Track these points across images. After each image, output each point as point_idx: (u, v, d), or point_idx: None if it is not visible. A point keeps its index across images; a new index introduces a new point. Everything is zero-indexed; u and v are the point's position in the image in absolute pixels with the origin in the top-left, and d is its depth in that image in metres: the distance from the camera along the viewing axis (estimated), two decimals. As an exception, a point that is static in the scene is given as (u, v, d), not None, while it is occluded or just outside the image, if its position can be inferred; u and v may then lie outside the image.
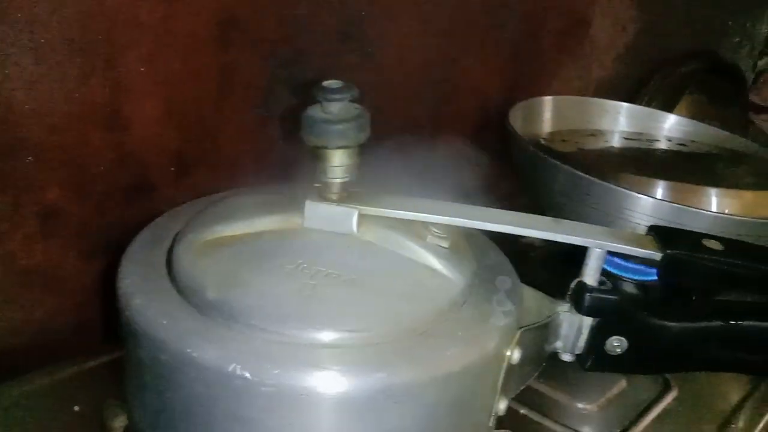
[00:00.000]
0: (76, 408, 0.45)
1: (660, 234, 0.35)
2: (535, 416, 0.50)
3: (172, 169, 0.52)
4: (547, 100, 0.75)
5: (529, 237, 0.36)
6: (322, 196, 0.35)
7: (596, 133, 0.76)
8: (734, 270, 0.34)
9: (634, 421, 0.51)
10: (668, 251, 0.34)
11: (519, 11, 0.75)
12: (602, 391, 0.53)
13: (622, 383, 0.54)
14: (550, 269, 0.63)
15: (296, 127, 0.59)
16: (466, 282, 0.34)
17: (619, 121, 0.76)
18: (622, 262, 0.59)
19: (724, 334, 0.35)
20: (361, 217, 0.35)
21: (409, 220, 0.35)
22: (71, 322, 0.50)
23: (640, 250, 0.34)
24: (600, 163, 0.68)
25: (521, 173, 0.68)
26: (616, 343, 0.36)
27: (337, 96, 0.33)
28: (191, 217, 0.37)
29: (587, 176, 0.57)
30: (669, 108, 0.96)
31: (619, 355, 0.36)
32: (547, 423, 0.49)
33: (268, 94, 0.56)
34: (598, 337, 0.36)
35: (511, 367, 0.34)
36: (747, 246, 0.36)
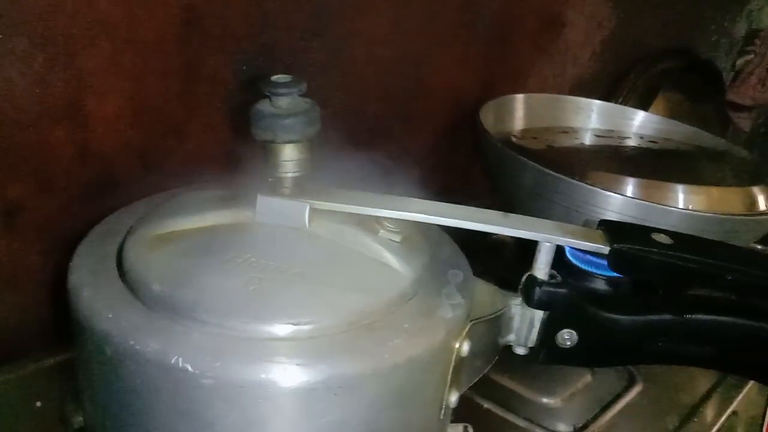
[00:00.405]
0: (38, 404, 0.45)
1: (610, 228, 0.36)
2: (499, 411, 0.50)
3: (137, 165, 0.52)
4: (519, 98, 0.76)
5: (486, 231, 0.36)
6: (275, 190, 0.35)
7: (568, 131, 0.76)
8: (682, 264, 0.34)
9: (598, 415, 0.51)
10: (615, 245, 0.34)
11: (492, 9, 0.75)
12: (567, 385, 0.54)
13: (587, 378, 0.54)
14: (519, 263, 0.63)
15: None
16: (416, 275, 0.34)
17: (591, 119, 0.76)
18: (592, 258, 0.59)
19: (675, 328, 0.35)
20: (313, 211, 0.35)
21: (362, 214, 0.35)
22: (32, 319, 0.50)
23: (588, 243, 0.35)
24: (570, 161, 0.68)
25: (491, 171, 0.69)
26: (567, 336, 0.36)
27: (284, 90, 0.33)
28: (143, 213, 0.37)
29: (555, 173, 0.58)
30: (645, 106, 0.97)
31: (570, 348, 0.36)
32: (511, 417, 0.50)
33: (234, 90, 0.56)
34: (549, 330, 0.36)
35: (460, 360, 0.34)
36: (697, 240, 0.36)
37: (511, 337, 0.38)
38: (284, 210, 0.35)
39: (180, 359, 0.27)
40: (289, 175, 0.35)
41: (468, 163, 0.80)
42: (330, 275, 0.32)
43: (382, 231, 0.35)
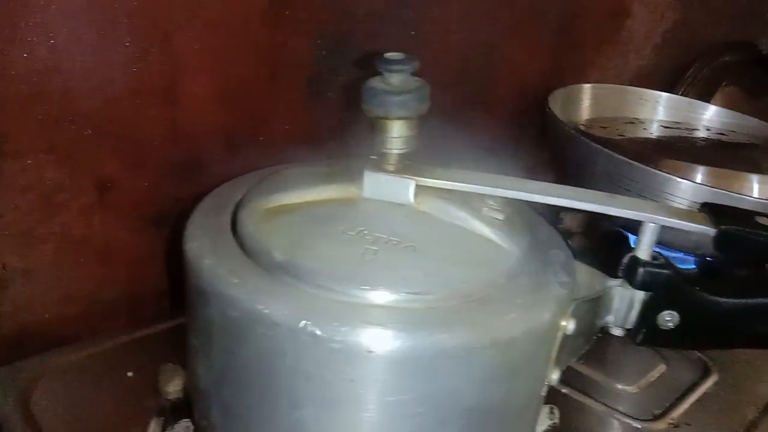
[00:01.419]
0: (130, 374, 0.47)
1: (713, 210, 0.36)
2: (577, 396, 0.50)
3: (223, 146, 0.53)
4: (586, 88, 0.75)
5: (578, 214, 0.36)
6: (380, 167, 0.36)
7: (635, 122, 0.76)
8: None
9: (675, 404, 0.51)
10: (722, 227, 0.34)
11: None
12: (642, 373, 0.53)
13: (662, 366, 0.54)
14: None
15: (343, 107, 0.60)
16: (522, 253, 0.34)
17: (658, 111, 0.76)
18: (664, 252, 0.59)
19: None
20: (418, 188, 0.36)
21: (464, 192, 0.36)
22: (122, 293, 0.52)
23: (695, 225, 0.35)
24: (641, 150, 0.68)
25: (560, 159, 0.68)
26: (668, 318, 0.36)
27: (398, 67, 0.33)
28: (252, 187, 0.38)
29: (630, 160, 0.57)
30: (705, 99, 0.96)
31: (670, 330, 0.36)
32: (589, 402, 0.50)
33: (313, 75, 0.57)
34: (649, 311, 0.36)
35: (565, 338, 0.34)
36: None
37: (609, 318, 0.38)
38: (390, 186, 0.35)
39: (308, 323, 0.28)
40: (396, 151, 0.35)
41: (532, 152, 0.79)
42: (440, 249, 0.33)
43: (485, 209, 0.36)
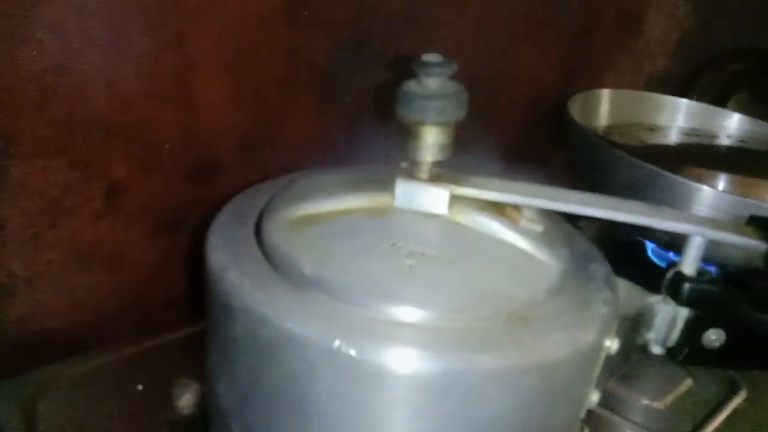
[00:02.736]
0: (139, 387, 0.45)
1: (761, 224, 0.34)
2: (604, 412, 0.48)
3: (239, 149, 0.51)
4: (605, 93, 0.74)
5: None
6: (412, 175, 0.34)
7: (654, 128, 0.74)
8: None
9: (704, 421, 0.49)
10: (774, 241, 0.33)
11: (577, 5, 0.74)
12: (669, 389, 0.52)
13: (689, 382, 0.52)
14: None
15: (360, 109, 0.58)
16: (563, 267, 0.33)
17: (677, 117, 0.74)
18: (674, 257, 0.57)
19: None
20: (452, 198, 0.34)
21: (499, 203, 0.34)
22: (133, 300, 0.50)
23: (745, 239, 0.33)
24: (662, 156, 0.66)
25: (580, 166, 0.67)
26: (714, 337, 0.34)
27: (437, 71, 0.31)
28: (274, 194, 0.36)
29: (654, 167, 0.56)
30: (718, 106, 0.94)
31: (715, 349, 0.34)
32: (617, 420, 0.48)
33: (331, 76, 0.55)
34: (695, 329, 0.34)
35: (608, 358, 0.32)
36: None
37: (650, 336, 0.36)
38: (424, 195, 0.33)
39: (343, 344, 0.26)
40: (429, 159, 0.33)
41: (546, 158, 0.78)
42: (479, 264, 0.31)
43: (523, 220, 0.34)
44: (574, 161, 0.68)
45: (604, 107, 0.74)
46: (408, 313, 0.28)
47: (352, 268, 0.29)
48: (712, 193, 0.54)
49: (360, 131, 0.58)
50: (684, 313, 0.35)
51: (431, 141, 0.33)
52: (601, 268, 0.35)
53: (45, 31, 0.40)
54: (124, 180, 0.47)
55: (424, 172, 0.34)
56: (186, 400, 0.41)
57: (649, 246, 0.64)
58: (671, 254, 0.60)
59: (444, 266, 0.30)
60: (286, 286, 0.29)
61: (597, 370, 0.32)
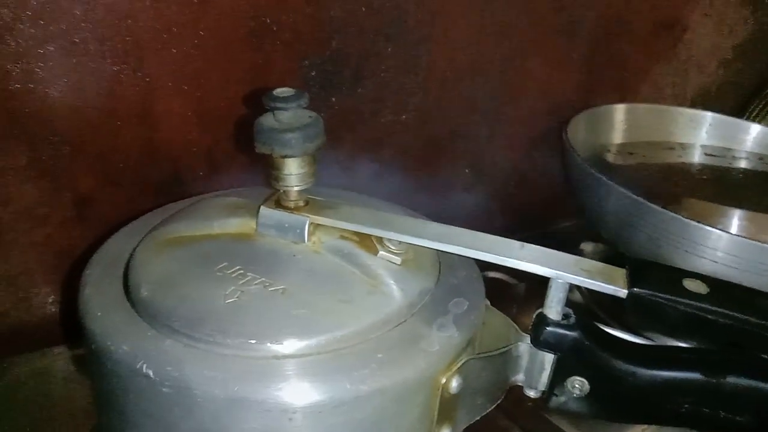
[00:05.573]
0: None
1: (635, 267, 0.32)
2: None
3: (202, 165, 0.55)
4: (620, 108, 0.70)
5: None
6: (279, 203, 0.35)
7: (675, 147, 0.69)
8: (713, 319, 0.29)
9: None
10: (635, 289, 0.30)
11: (597, 10, 0.70)
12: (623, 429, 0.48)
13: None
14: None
15: (334, 128, 0.59)
16: (408, 301, 0.32)
17: (701, 135, 0.69)
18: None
19: (705, 390, 0.31)
20: (315, 226, 0.34)
21: (363, 233, 0.34)
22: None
23: (605, 285, 0.31)
24: (665, 183, 0.62)
25: (575, 191, 0.64)
26: (577, 384, 0.32)
27: (284, 104, 0.32)
28: (174, 214, 0.38)
29: (638, 198, 0.52)
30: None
31: (581, 398, 0.33)
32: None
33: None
34: (559, 375, 0.33)
35: (451, 396, 0.32)
36: (743, 291, 0.31)
37: (520, 377, 0.35)
38: (284, 223, 0.34)
39: (144, 365, 0.28)
40: (294, 188, 0.34)
41: (560, 175, 0.75)
42: (314, 294, 0.32)
43: (381, 251, 0.34)
44: (570, 184, 0.65)
45: (619, 124, 0.70)
46: (209, 339, 0.29)
47: (181, 293, 0.31)
48: (705, 231, 0.49)
49: (336, 148, 0.59)
50: (550, 357, 0.33)
51: (288, 171, 0.34)
52: (463, 303, 0.34)
53: (8, 60, 0.45)
54: (91, 193, 0.51)
55: (289, 201, 0.35)
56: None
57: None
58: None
59: (275, 296, 0.31)
60: (124, 306, 0.32)
61: (435, 407, 0.31)
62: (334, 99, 0.58)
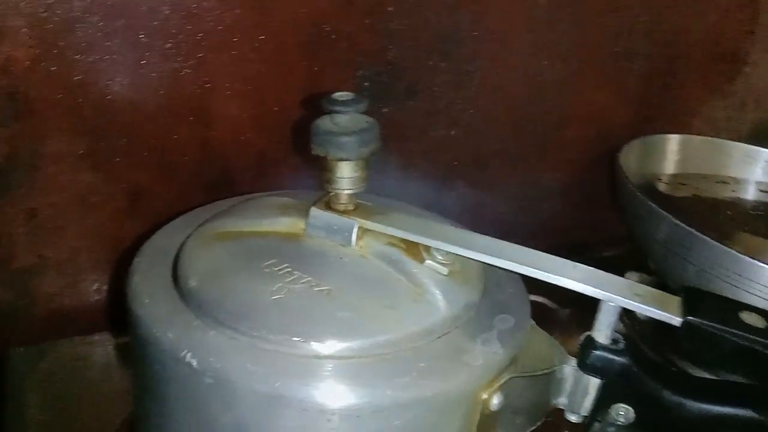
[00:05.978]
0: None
1: (691, 296, 0.31)
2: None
3: (253, 166, 0.55)
4: (674, 139, 0.69)
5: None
6: (329, 205, 0.35)
7: (729, 181, 0.67)
8: (767, 354, 0.28)
9: None
10: (690, 318, 0.29)
11: (655, 39, 0.69)
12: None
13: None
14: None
15: (386, 138, 0.60)
16: (452, 313, 0.32)
17: (756, 171, 0.67)
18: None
19: (755, 428, 0.29)
20: (363, 230, 0.34)
21: (412, 241, 0.34)
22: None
23: (659, 311, 0.30)
24: (716, 216, 0.60)
25: (625, 217, 0.63)
26: (621, 412, 0.31)
27: (343, 108, 0.33)
28: (223, 209, 0.39)
29: (688, 227, 0.51)
30: None
31: (624, 426, 0.32)
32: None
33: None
34: (603, 401, 0.32)
35: (491, 413, 0.31)
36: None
37: (562, 400, 0.34)
38: (333, 225, 0.34)
39: (188, 353, 0.28)
40: (345, 191, 0.34)
41: (609, 201, 0.73)
42: (359, 298, 0.31)
43: (428, 260, 0.34)
44: (622, 211, 0.64)
45: (672, 154, 0.68)
46: (256, 336, 0.29)
47: (228, 286, 0.31)
48: (754, 265, 0.48)
49: (386, 159, 0.59)
50: (595, 382, 0.32)
51: (340, 174, 0.34)
52: (509, 319, 0.33)
53: (73, 51, 0.46)
54: (144, 185, 0.52)
55: (339, 203, 0.35)
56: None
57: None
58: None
59: (320, 296, 0.31)
60: (171, 295, 0.32)
61: (474, 423, 0.31)
62: (386, 110, 0.59)
